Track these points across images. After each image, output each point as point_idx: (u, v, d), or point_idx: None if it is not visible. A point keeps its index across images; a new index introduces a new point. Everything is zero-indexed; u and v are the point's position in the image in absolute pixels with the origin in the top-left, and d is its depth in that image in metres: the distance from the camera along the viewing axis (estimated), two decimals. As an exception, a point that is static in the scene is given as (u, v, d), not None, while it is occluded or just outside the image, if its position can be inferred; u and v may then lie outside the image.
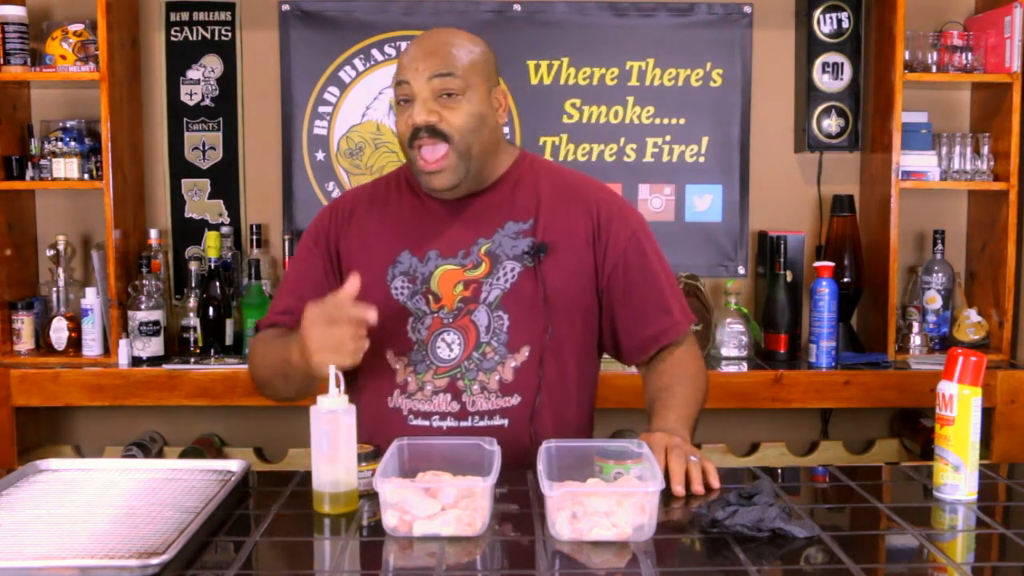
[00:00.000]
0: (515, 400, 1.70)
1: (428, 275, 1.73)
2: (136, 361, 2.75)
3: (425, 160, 1.67)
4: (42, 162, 2.80)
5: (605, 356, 1.88)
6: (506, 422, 1.69)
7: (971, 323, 2.88)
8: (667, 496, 1.45)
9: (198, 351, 2.84)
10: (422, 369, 1.71)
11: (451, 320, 1.71)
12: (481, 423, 1.69)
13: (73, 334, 2.82)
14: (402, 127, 1.69)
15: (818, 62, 2.91)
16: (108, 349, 2.81)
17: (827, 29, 2.90)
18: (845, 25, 2.90)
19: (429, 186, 1.71)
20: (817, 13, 2.89)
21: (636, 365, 1.85)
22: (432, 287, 1.72)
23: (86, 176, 2.82)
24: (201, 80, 3.03)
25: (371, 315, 1.50)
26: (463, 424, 1.69)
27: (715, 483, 1.50)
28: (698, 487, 1.48)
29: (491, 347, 1.70)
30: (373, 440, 1.53)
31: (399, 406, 1.72)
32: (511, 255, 1.72)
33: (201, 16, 3.02)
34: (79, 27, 2.81)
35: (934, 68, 2.83)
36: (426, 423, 1.70)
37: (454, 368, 1.70)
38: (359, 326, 1.50)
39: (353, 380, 1.78)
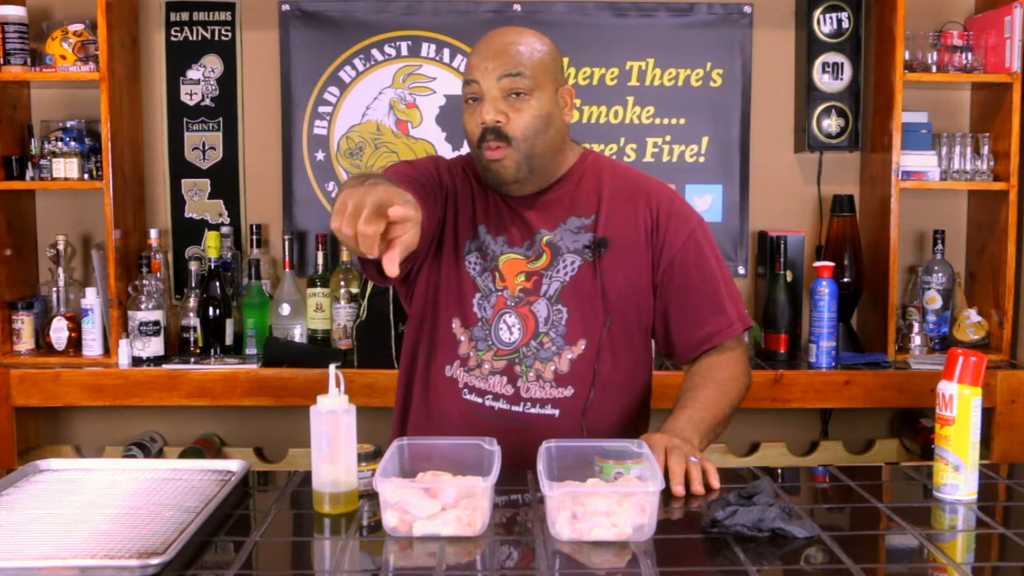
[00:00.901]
0: (568, 392, 1.72)
1: (496, 255, 1.76)
2: (136, 361, 2.75)
3: (491, 148, 1.68)
4: (42, 162, 2.80)
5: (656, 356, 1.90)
6: (557, 412, 1.72)
7: (971, 323, 2.88)
8: (667, 496, 1.45)
9: (198, 351, 2.84)
10: (483, 347, 1.74)
11: (514, 304, 1.74)
12: (532, 410, 1.71)
13: (73, 334, 2.82)
14: (471, 126, 1.71)
15: (818, 62, 2.91)
16: (108, 349, 2.81)
17: (827, 29, 2.90)
18: (845, 25, 2.90)
19: (495, 179, 1.72)
20: (817, 13, 2.89)
21: (683, 364, 1.86)
22: (500, 267, 1.75)
23: (86, 176, 2.82)
24: (201, 80, 3.03)
25: (394, 211, 1.34)
26: (514, 408, 1.72)
27: (715, 483, 1.50)
28: (698, 487, 1.48)
29: (549, 338, 1.73)
30: (424, 405, 1.52)
31: (456, 377, 1.74)
32: (572, 248, 1.75)
33: (201, 16, 3.02)
34: (79, 27, 2.81)
35: (934, 68, 2.83)
36: (479, 400, 1.73)
37: (513, 352, 1.73)
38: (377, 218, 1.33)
39: (414, 344, 1.80)
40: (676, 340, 1.81)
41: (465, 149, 2.62)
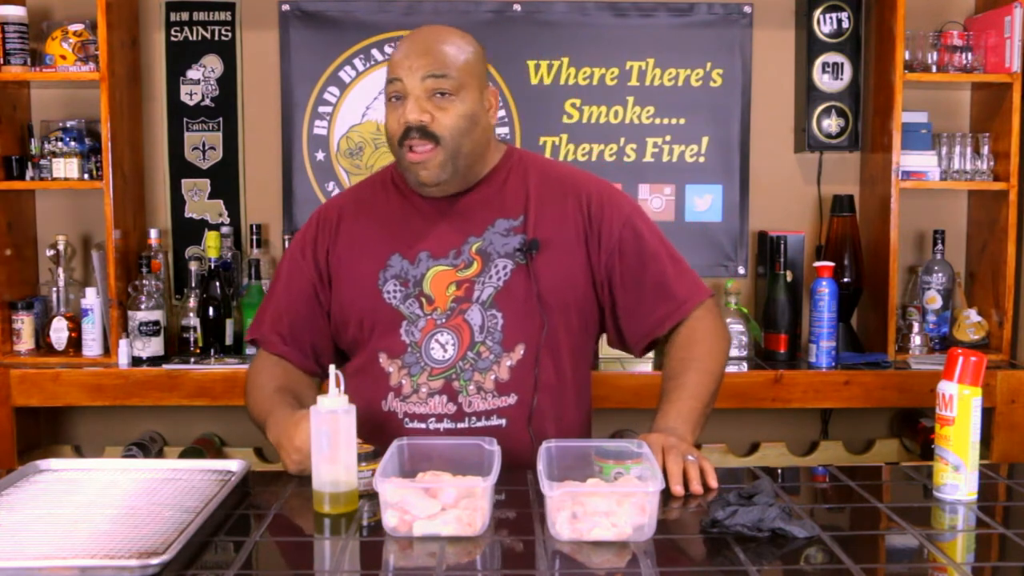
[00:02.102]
0: (512, 400, 1.69)
1: (420, 277, 1.72)
2: (136, 361, 2.75)
3: (414, 151, 1.66)
4: (42, 162, 2.80)
5: (604, 355, 1.88)
6: (503, 422, 1.69)
7: (971, 323, 2.88)
8: (667, 496, 1.45)
9: (198, 351, 2.84)
10: (416, 371, 1.70)
11: (444, 321, 1.70)
12: (478, 424, 1.68)
13: (73, 334, 2.82)
14: (393, 124, 1.69)
15: (818, 62, 2.91)
16: (108, 349, 2.81)
17: (827, 29, 2.90)
18: (845, 25, 2.90)
19: (417, 180, 1.69)
20: (817, 13, 2.89)
21: (652, 349, 1.82)
22: (424, 289, 1.71)
23: (86, 176, 2.82)
24: (201, 80, 3.03)
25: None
26: (460, 425, 1.68)
27: (713, 483, 1.50)
28: (696, 487, 1.48)
29: (486, 346, 1.69)
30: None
31: (394, 409, 1.71)
32: (502, 253, 1.71)
33: (201, 16, 3.02)
34: (79, 27, 2.81)
35: (934, 68, 2.83)
36: (422, 425, 1.69)
37: (449, 369, 1.69)
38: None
39: (349, 386, 1.78)
40: (627, 331, 1.77)
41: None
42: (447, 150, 1.66)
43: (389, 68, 1.71)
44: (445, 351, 1.69)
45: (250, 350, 2.82)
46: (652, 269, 1.75)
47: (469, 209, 1.75)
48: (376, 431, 1.67)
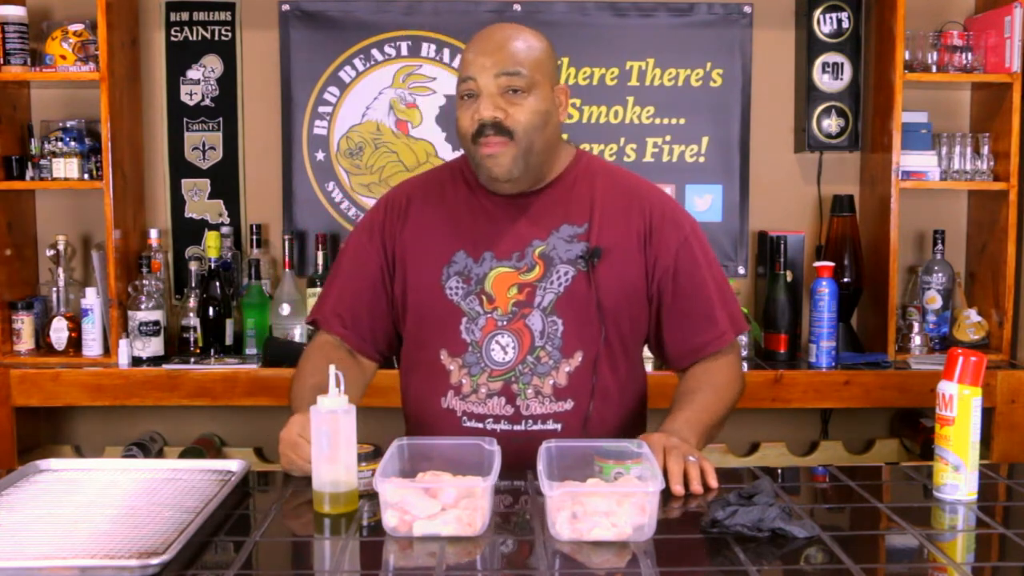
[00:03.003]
0: (568, 405, 1.70)
1: (483, 276, 1.72)
2: (136, 361, 2.75)
3: (488, 145, 1.65)
4: (42, 162, 2.80)
5: (648, 356, 1.88)
6: (559, 427, 1.70)
7: (971, 323, 2.88)
8: (667, 496, 1.45)
9: (198, 351, 2.84)
10: (476, 371, 1.71)
11: (505, 323, 1.71)
12: (535, 427, 1.69)
13: (73, 334, 2.82)
14: (466, 122, 1.68)
15: (818, 62, 2.91)
16: (108, 349, 2.81)
17: (827, 29, 2.90)
18: (845, 25, 2.90)
19: (489, 175, 1.69)
20: (817, 13, 2.89)
21: (677, 371, 1.85)
22: (486, 288, 1.72)
23: (86, 176, 2.82)
24: (201, 80, 3.03)
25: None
26: (516, 428, 1.69)
27: (713, 483, 1.50)
28: (696, 487, 1.48)
29: (545, 352, 1.70)
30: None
31: (453, 407, 1.72)
32: (565, 259, 1.72)
33: (201, 16, 3.01)
34: (79, 27, 2.81)
35: (934, 68, 2.83)
36: (480, 425, 1.70)
37: (508, 372, 1.70)
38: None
39: (406, 377, 1.80)
40: (669, 349, 1.80)
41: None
42: (520, 146, 1.66)
43: (461, 67, 1.71)
44: (505, 353, 1.70)
45: (251, 350, 2.82)
46: (700, 294, 1.77)
47: (536, 211, 1.75)
48: (434, 428, 1.70)
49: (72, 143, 2.82)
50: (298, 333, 2.87)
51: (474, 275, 1.72)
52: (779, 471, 1.71)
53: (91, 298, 2.79)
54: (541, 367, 1.70)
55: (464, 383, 1.71)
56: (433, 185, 1.83)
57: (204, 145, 3.05)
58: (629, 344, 1.77)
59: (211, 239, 2.88)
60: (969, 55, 2.83)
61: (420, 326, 1.76)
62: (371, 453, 1.47)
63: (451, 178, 1.82)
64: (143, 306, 2.75)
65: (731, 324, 1.79)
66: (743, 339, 2.84)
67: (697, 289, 1.77)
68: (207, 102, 3.03)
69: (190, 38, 3.02)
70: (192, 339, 2.84)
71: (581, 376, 1.71)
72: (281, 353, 2.75)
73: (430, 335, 1.74)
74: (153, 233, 2.92)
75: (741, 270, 3.07)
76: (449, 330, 1.72)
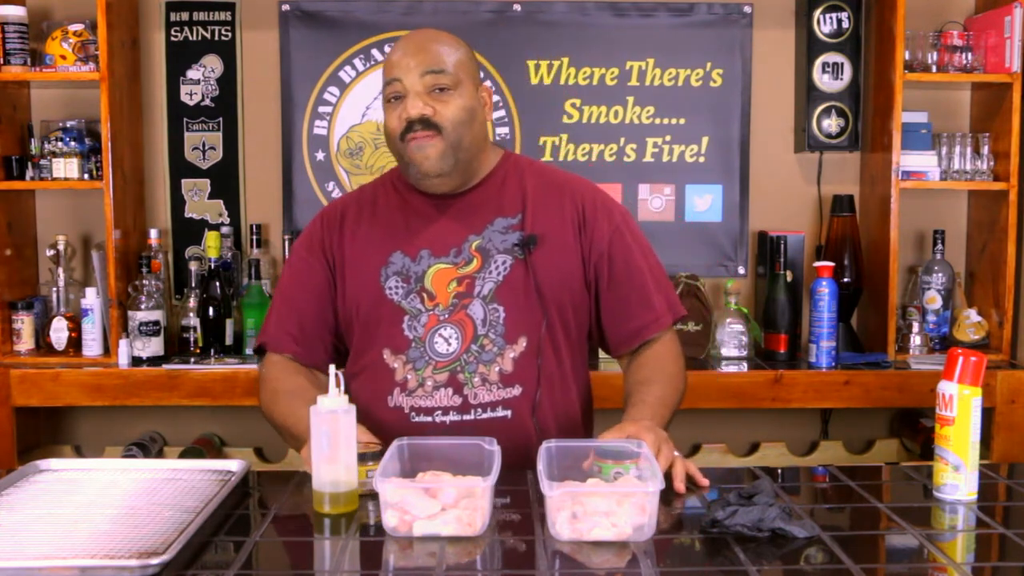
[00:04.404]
0: (516, 391, 1.71)
1: (421, 274, 1.75)
2: (136, 361, 2.75)
3: (417, 142, 1.68)
4: (42, 162, 2.80)
5: (604, 356, 1.89)
6: (509, 413, 1.71)
7: (971, 323, 2.88)
8: (666, 496, 1.45)
9: (198, 351, 2.84)
10: (421, 365, 1.72)
11: (447, 316, 1.73)
12: (484, 415, 1.70)
13: (73, 334, 2.82)
14: (394, 122, 1.71)
15: (818, 62, 2.91)
16: (108, 349, 2.81)
17: (827, 29, 2.90)
18: (845, 25, 2.90)
19: (419, 172, 1.71)
20: (817, 13, 2.89)
21: (619, 357, 1.87)
22: (426, 285, 1.74)
23: (86, 176, 2.82)
24: (201, 80, 3.03)
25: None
26: (466, 417, 1.70)
27: (703, 481, 1.52)
28: (680, 485, 1.50)
29: (489, 339, 1.72)
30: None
31: (400, 404, 1.72)
32: (501, 249, 1.74)
33: (201, 16, 3.01)
34: (79, 27, 2.81)
35: (934, 68, 2.83)
36: (428, 419, 1.71)
37: (453, 362, 1.71)
38: None
39: (351, 383, 1.79)
40: (609, 334, 1.82)
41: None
42: (448, 140, 1.69)
43: (386, 70, 1.73)
44: (449, 344, 1.72)
45: (250, 350, 2.82)
46: (635, 279, 1.80)
47: (468, 209, 1.78)
48: (382, 427, 1.69)
49: (72, 143, 2.81)
50: (298, 333, 2.86)
51: (413, 273, 1.75)
52: (779, 471, 1.71)
53: (91, 298, 2.79)
54: (486, 354, 1.71)
55: (410, 378, 1.72)
56: (366, 196, 1.86)
57: (204, 145, 3.05)
58: (572, 331, 1.79)
59: (211, 239, 2.88)
60: (969, 55, 2.83)
61: (364, 329, 1.77)
62: (378, 452, 1.47)
63: (383, 187, 1.86)
64: (143, 306, 2.75)
65: (668, 308, 1.82)
66: (743, 339, 2.85)
67: (632, 275, 1.79)
68: (207, 102, 3.03)
69: (190, 38, 3.02)
70: (192, 339, 2.84)
71: (526, 361, 1.72)
72: (281, 353, 2.74)
73: (373, 337, 1.75)
74: (153, 233, 2.91)
75: (741, 270, 3.07)
76: (392, 329, 1.74)
